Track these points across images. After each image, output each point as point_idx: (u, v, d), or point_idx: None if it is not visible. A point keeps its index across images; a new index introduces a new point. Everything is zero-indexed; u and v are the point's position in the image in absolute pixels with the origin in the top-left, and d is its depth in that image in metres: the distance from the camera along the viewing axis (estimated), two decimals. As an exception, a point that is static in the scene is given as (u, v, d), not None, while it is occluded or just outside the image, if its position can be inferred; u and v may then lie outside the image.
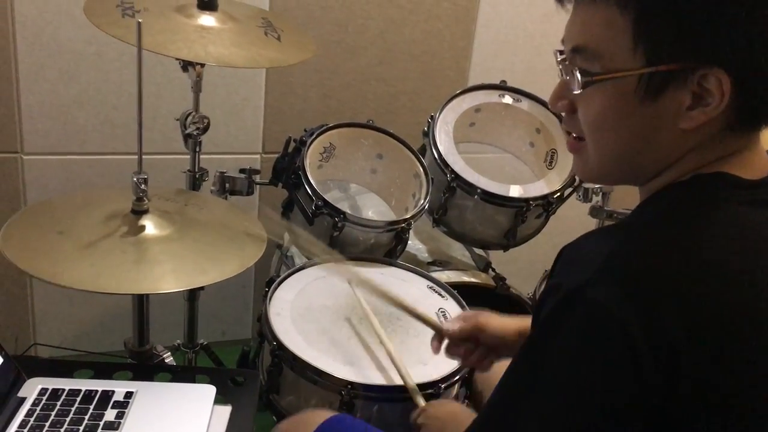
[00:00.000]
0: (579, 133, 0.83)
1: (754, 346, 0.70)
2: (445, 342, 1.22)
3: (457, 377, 1.34)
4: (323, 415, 1.17)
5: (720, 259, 0.71)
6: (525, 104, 1.86)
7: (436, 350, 1.23)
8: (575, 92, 0.79)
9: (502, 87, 1.87)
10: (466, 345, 1.20)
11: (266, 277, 1.94)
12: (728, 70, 0.71)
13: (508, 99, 1.87)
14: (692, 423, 0.69)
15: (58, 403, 1.09)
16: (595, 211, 1.94)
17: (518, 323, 1.15)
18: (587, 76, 0.77)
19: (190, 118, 1.58)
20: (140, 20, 1.16)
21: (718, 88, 0.72)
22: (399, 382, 1.29)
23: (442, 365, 1.33)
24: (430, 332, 1.24)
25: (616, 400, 0.68)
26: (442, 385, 1.30)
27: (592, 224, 2.06)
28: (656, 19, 0.72)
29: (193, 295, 1.73)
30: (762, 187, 0.77)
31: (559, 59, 0.82)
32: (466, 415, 1.18)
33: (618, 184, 0.88)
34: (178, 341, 1.79)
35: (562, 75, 0.82)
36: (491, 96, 1.87)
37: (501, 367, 1.41)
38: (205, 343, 1.82)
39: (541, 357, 0.72)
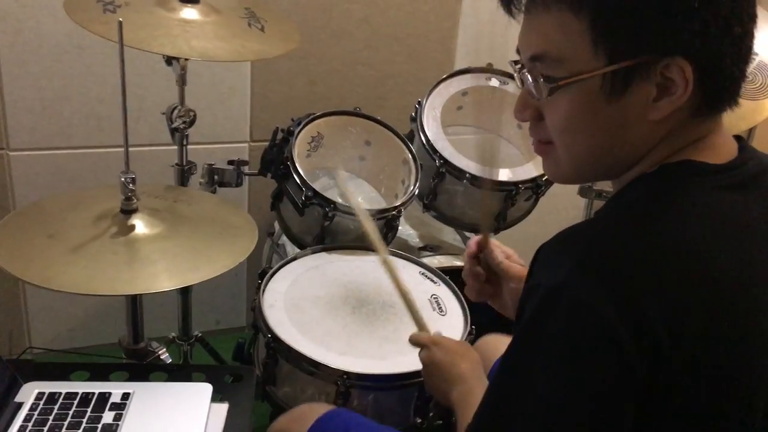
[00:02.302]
0: (547, 139, 0.83)
1: (734, 330, 0.72)
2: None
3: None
4: (319, 409, 1.19)
5: (693, 246, 0.72)
6: (511, 87, 1.85)
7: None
8: (541, 99, 0.79)
9: (489, 70, 1.87)
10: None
11: (258, 265, 1.94)
12: (689, 57, 0.72)
13: (494, 82, 1.87)
14: (680, 411, 0.70)
15: (56, 407, 1.10)
16: (584, 191, 1.94)
17: None
18: (552, 82, 0.77)
19: (176, 111, 1.57)
20: (121, 19, 1.15)
21: (682, 77, 0.73)
22: (394, 371, 1.31)
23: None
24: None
25: (606, 395, 0.69)
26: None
27: (581, 202, 2.07)
28: (612, 18, 0.72)
29: (185, 287, 1.73)
30: (727, 171, 0.78)
31: (516, 69, 0.82)
32: (475, 381, 1.09)
33: (591, 182, 0.88)
34: (173, 334, 1.80)
35: (522, 84, 0.81)
36: (478, 79, 1.86)
37: (493, 343, 1.44)
38: (200, 334, 1.82)
39: (527, 360, 0.73)
